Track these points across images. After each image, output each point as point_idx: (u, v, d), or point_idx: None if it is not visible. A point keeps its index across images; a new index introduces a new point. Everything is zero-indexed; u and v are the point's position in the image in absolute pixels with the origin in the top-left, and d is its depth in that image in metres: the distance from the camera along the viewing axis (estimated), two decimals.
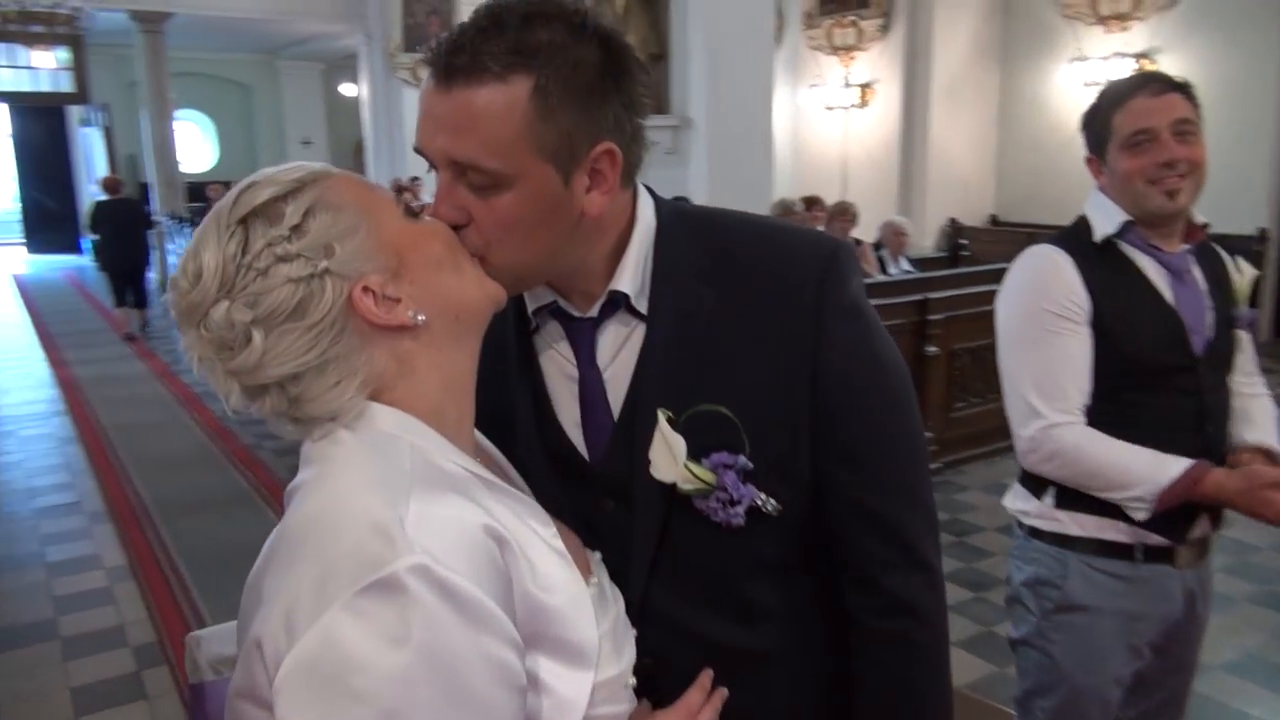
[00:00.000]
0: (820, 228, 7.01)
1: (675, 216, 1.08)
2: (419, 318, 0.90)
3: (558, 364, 1.09)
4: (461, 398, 0.96)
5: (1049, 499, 1.84)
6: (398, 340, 0.90)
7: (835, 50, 11.06)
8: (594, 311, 1.06)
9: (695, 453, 1.00)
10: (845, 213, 6.84)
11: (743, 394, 1.01)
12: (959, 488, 5.16)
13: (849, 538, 1.07)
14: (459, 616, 0.75)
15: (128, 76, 14.79)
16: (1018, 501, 1.92)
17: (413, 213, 0.96)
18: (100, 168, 15.33)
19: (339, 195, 0.90)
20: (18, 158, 16.50)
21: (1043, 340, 1.78)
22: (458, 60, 0.90)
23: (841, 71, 11.03)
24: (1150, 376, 1.76)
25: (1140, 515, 1.72)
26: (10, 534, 4.73)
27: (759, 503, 1.01)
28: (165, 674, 3.38)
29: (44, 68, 13.75)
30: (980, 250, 9.86)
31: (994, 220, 10.93)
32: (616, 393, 1.06)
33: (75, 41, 13.53)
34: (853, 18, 10.82)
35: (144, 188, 14.88)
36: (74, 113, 16.37)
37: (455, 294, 0.94)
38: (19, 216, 16.87)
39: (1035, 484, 1.86)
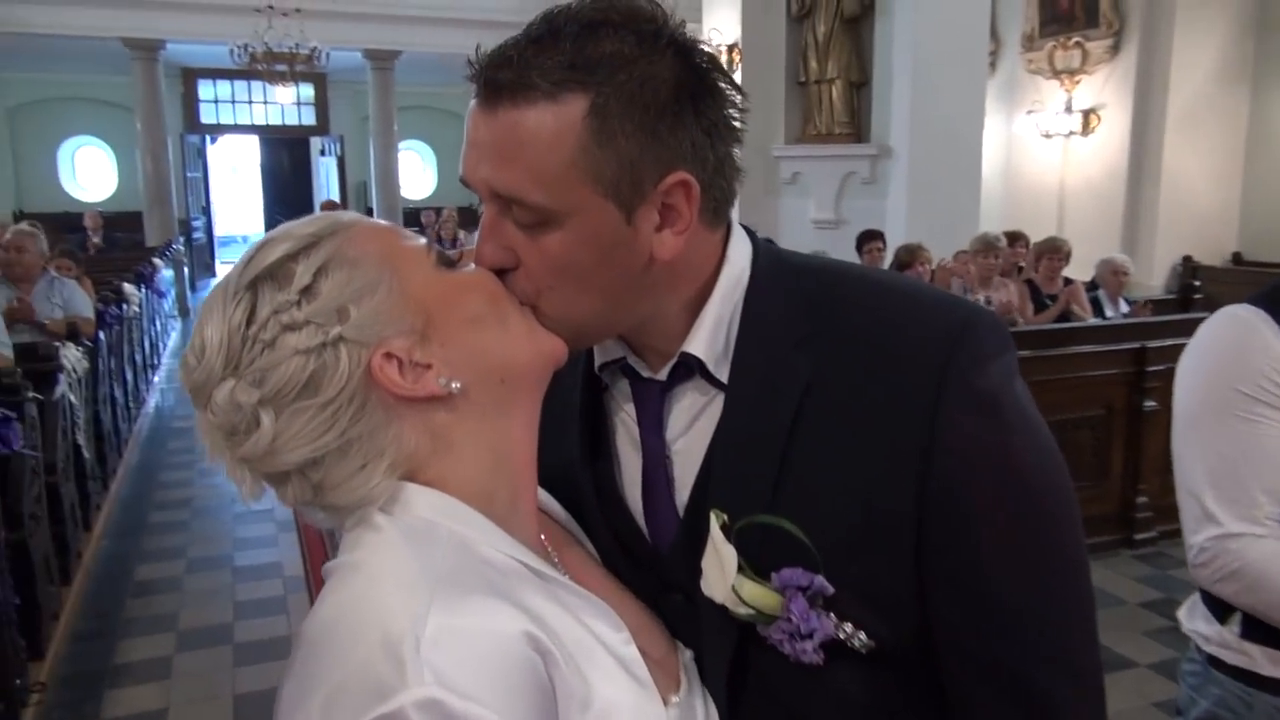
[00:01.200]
0: (1022, 265, 6.47)
1: (774, 265, 0.89)
2: (454, 385, 0.77)
3: (628, 430, 0.94)
4: (515, 473, 0.82)
5: (1234, 626, 1.45)
6: (430, 413, 0.77)
7: (1057, 74, 10.31)
8: (663, 374, 0.89)
9: (761, 567, 0.80)
10: (1057, 250, 6.14)
11: (828, 501, 0.80)
12: (1175, 562, 4.54)
13: (971, 700, 0.83)
14: None
15: (361, 110, 15.95)
16: (1196, 621, 1.53)
17: (448, 261, 0.83)
18: (334, 194, 16.66)
19: (358, 248, 0.78)
20: (264, 184, 18.21)
21: (1228, 428, 1.40)
22: (502, 76, 0.76)
23: (1063, 96, 10.27)
24: None
25: None
26: (210, 536, 5.07)
27: (842, 636, 0.79)
28: None
29: (285, 103, 15.17)
30: (1218, 292, 8.75)
31: (1237, 258, 9.78)
32: (686, 471, 0.89)
33: (318, 79, 14.81)
34: (1078, 39, 10.06)
35: (370, 212, 16.07)
36: (314, 143, 17.90)
37: (499, 354, 0.81)
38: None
39: (1218, 605, 1.48)
